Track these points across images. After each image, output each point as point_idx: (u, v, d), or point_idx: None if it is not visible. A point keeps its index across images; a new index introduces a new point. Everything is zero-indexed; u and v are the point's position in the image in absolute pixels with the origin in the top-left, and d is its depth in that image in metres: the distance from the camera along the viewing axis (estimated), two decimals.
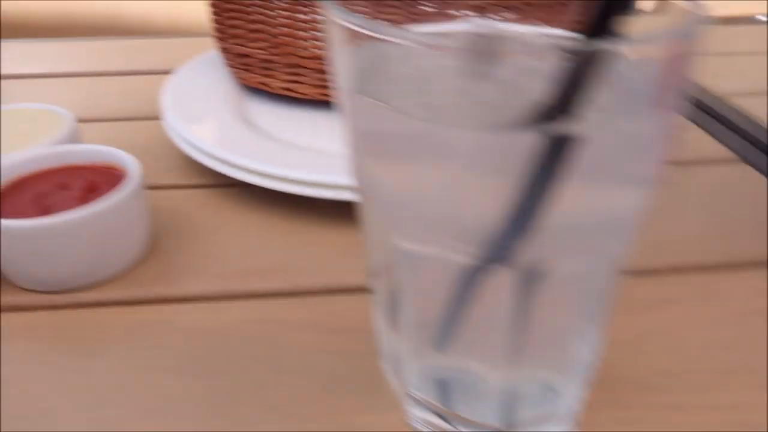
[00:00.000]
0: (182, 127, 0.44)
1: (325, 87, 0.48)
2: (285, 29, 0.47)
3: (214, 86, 0.52)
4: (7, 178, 0.35)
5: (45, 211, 0.33)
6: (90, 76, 0.65)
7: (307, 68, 0.48)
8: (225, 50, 0.52)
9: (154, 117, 0.50)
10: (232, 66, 0.53)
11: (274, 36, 0.48)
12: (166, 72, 0.54)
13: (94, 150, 0.37)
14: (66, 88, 0.62)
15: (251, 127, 0.46)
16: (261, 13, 0.47)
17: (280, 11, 0.47)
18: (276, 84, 0.50)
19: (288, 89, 0.50)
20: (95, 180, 0.36)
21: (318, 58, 0.47)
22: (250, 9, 0.48)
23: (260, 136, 0.44)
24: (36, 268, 0.32)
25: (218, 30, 0.52)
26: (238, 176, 0.40)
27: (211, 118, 0.47)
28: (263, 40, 0.48)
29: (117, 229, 0.33)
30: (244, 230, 0.39)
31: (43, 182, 0.36)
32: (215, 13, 0.52)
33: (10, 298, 0.33)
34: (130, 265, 0.35)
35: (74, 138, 0.41)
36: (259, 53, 0.49)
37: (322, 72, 0.48)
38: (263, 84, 0.50)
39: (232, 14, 0.49)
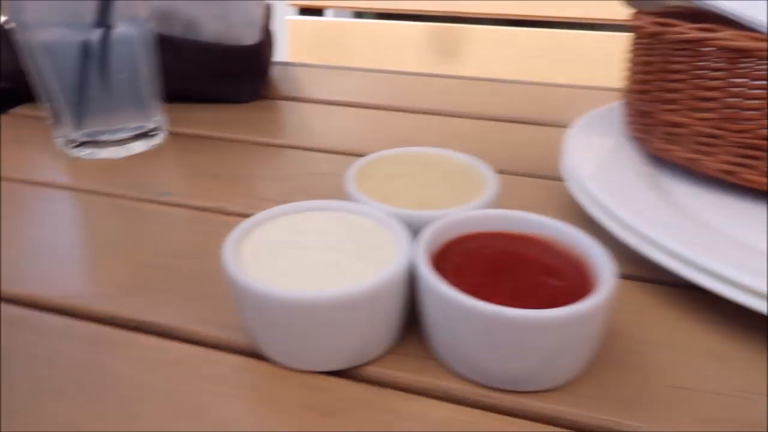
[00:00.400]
0: (606, 200, 0.37)
1: None
2: (737, 100, 0.38)
3: (621, 150, 0.45)
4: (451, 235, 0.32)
5: (514, 296, 0.28)
6: (477, 119, 0.63)
7: (761, 150, 0.38)
8: (637, 111, 0.45)
9: (553, 176, 0.45)
10: (643, 131, 0.45)
11: (718, 106, 0.39)
12: (556, 125, 0.49)
13: (555, 227, 0.32)
14: (463, 129, 0.60)
15: (686, 213, 0.38)
16: (701, 75, 0.39)
17: (723, 74, 0.38)
18: (712, 165, 0.41)
19: (728, 172, 0.40)
20: (552, 263, 0.30)
21: None
22: (681, 66, 0.40)
23: (707, 228, 0.36)
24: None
25: (633, 88, 0.45)
26: (698, 279, 0.32)
27: (633, 193, 0.40)
28: (705, 110, 0.40)
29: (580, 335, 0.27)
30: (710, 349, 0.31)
31: (498, 253, 0.31)
32: (633, 66, 0.45)
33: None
34: (575, 373, 0.29)
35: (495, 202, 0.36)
36: (696, 125, 0.41)
37: None
38: (690, 160, 0.42)
39: (654, 69, 0.42)
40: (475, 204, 0.34)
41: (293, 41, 0.87)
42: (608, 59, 0.84)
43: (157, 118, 0.53)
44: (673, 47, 0.41)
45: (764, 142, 0.38)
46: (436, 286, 0.27)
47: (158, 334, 0.32)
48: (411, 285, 0.29)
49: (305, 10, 0.89)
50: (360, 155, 0.53)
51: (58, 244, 0.39)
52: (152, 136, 0.53)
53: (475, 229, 0.32)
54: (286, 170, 0.50)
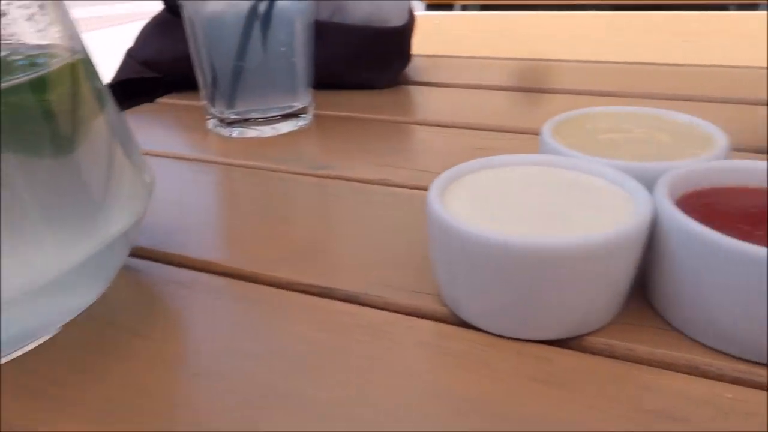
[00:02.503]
0: None
1: None
2: None
3: None
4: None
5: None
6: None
7: None
8: None
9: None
10: None
11: None
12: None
13: None
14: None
15: None
16: None
17: None
18: None
19: None
20: None
21: None
22: None
23: None
24: None
25: None
26: None
27: None
28: None
29: None
30: None
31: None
32: None
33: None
34: None
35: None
36: None
37: None
38: None
39: None
40: (707, 156, 0.29)
41: (419, 36, 0.85)
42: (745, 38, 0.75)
43: (306, 99, 0.52)
44: None
45: None
46: (697, 231, 0.22)
47: (344, 299, 0.29)
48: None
49: (432, 6, 0.87)
50: (515, 132, 0.50)
51: (223, 215, 0.38)
52: (300, 116, 0.52)
53: (720, 182, 0.27)
54: (441, 146, 0.47)
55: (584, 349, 0.25)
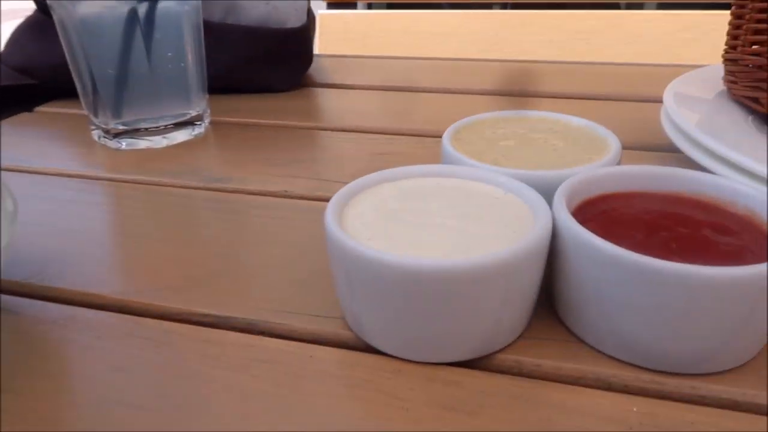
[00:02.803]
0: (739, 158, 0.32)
1: None
2: None
3: (730, 113, 0.40)
4: (581, 197, 0.27)
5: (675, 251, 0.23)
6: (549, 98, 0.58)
7: None
8: (750, 68, 0.40)
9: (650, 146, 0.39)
10: (756, 89, 0.40)
11: None
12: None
13: (714, 182, 0.27)
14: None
15: None
16: None
17: None
18: None
19: None
20: (717, 221, 0.25)
21: None
22: None
23: None
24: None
25: (747, 40, 0.40)
26: None
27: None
28: None
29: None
30: None
31: (649, 212, 0.26)
32: (745, 18, 0.40)
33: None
34: (761, 347, 0.24)
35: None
36: None
37: None
38: None
39: None
40: (601, 163, 0.29)
41: (323, 36, 0.83)
42: (654, 38, 0.79)
43: (201, 106, 0.49)
44: None
45: None
46: (595, 244, 0.22)
47: (242, 329, 0.27)
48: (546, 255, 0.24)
49: (334, 4, 0.85)
50: (422, 135, 0.49)
51: (108, 239, 0.35)
52: (195, 124, 0.48)
53: (615, 188, 0.27)
54: (344, 152, 0.45)
55: (494, 368, 0.24)
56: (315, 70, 0.64)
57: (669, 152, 0.40)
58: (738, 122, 0.39)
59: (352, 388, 0.23)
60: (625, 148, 0.32)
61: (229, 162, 0.44)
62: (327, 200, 0.26)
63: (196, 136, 0.48)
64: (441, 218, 0.25)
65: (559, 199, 0.25)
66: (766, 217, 0.25)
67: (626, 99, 0.54)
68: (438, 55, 0.72)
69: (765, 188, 0.28)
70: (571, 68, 0.65)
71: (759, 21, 0.39)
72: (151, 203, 0.38)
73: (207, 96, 0.49)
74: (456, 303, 0.22)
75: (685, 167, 0.28)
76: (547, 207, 0.25)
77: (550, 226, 0.24)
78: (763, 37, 0.39)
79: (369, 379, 0.23)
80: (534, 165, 0.30)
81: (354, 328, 0.26)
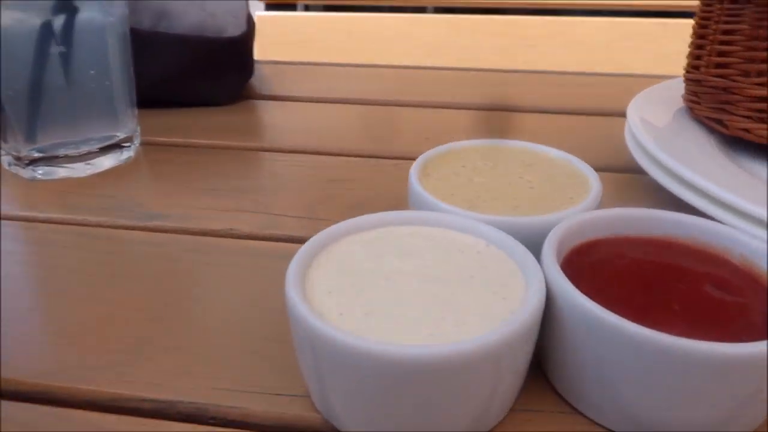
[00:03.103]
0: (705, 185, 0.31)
1: None
2: None
3: (692, 135, 0.39)
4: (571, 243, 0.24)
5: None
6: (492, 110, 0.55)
7: None
8: (711, 88, 0.39)
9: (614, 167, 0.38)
10: (718, 110, 0.39)
11: None
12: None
13: (704, 227, 0.25)
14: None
15: None
16: None
17: None
18: None
19: None
20: (721, 274, 0.23)
21: None
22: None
23: None
24: None
25: (707, 62, 0.39)
26: None
27: (725, 175, 0.33)
28: None
29: None
30: None
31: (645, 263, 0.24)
32: (706, 38, 0.39)
33: None
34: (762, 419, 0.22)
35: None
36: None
37: None
38: None
39: (738, 39, 0.36)
40: (584, 204, 0.27)
41: (260, 39, 0.78)
42: (604, 45, 0.79)
43: (130, 126, 0.43)
44: (765, 10, 0.35)
45: None
46: (595, 314, 0.20)
47: (187, 418, 0.23)
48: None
49: (272, 5, 0.80)
50: (377, 157, 0.46)
51: (22, 301, 0.30)
52: (123, 148, 0.43)
53: (604, 234, 0.25)
54: (295, 178, 0.41)
55: None
56: (256, 78, 0.59)
57: (637, 174, 0.39)
58: (702, 145, 0.38)
59: None
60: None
61: (164, 193, 0.39)
62: (278, 240, 0.22)
63: (125, 161, 0.43)
64: (420, 282, 0.22)
65: (549, 256, 0.22)
66: (765, 269, 0.23)
67: (587, 113, 0.53)
68: (383, 61, 0.69)
69: (761, 236, 0.26)
70: (528, 78, 0.64)
71: (723, 42, 0.38)
72: (74, 249, 0.33)
73: (136, 114, 0.44)
74: (444, 392, 0.19)
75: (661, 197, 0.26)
76: (536, 264, 0.22)
77: (543, 294, 0.21)
78: (728, 59, 0.38)
79: None
80: (512, 207, 0.27)
81: (322, 410, 0.22)
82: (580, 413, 0.22)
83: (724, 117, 0.39)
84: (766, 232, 0.28)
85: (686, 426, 0.21)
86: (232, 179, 0.41)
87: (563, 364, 0.22)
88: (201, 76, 0.51)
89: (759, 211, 0.29)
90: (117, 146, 0.43)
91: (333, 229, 0.25)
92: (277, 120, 0.53)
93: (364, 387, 0.19)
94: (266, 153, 0.45)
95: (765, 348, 0.19)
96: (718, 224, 0.25)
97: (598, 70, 0.66)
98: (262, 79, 0.61)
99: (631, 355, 0.20)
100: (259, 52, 0.59)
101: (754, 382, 0.19)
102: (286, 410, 0.22)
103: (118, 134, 0.43)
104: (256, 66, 0.58)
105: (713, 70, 0.39)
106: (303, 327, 0.20)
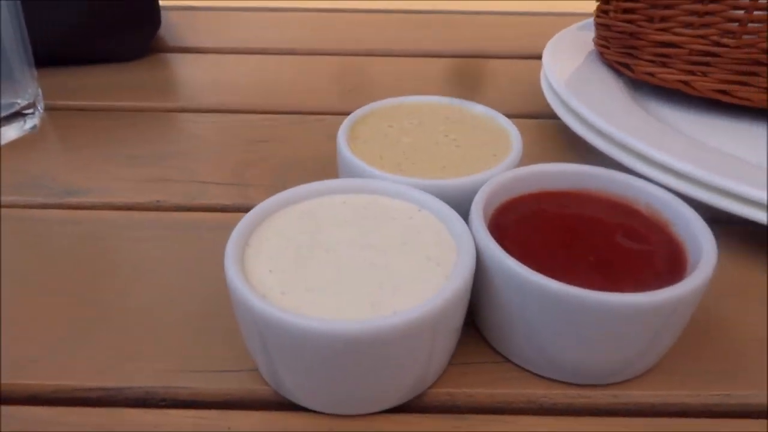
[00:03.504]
0: (612, 131, 0.33)
1: None
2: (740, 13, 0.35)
3: (602, 79, 0.41)
4: (495, 203, 0.26)
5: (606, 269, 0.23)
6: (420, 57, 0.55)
7: (762, 65, 0.36)
8: (619, 33, 0.41)
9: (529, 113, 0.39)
10: (625, 55, 0.41)
11: (719, 21, 0.36)
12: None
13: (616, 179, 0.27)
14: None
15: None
16: None
17: None
18: (706, 85, 0.38)
19: (724, 91, 0.38)
20: (630, 223, 0.25)
21: None
22: None
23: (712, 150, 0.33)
24: None
25: (615, 6, 0.40)
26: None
27: (633, 120, 0.36)
28: (703, 26, 0.36)
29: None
30: None
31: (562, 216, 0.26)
32: None
33: None
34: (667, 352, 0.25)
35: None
36: (692, 43, 0.37)
37: None
38: (681, 82, 0.39)
39: None
40: (506, 162, 0.28)
41: None
42: None
43: (31, 91, 0.40)
44: None
45: (765, 56, 0.36)
46: (520, 273, 0.21)
47: (137, 403, 0.23)
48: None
49: None
50: (301, 113, 0.45)
51: None
52: (26, 115, 0.40)
53: (526, 190, 0.27)
54: (218, 140, 0.40)
55: (428, 408, 0.23)
56: (164, 28, 0.56)
57: (556, 119, 0.40)
58: (612, 90, 0.40)
59: None
60: (510, 116, 0.32)
61: (80, 165, 0.37)
62: (209, 210, 0.22)
63: (30, 131, 0.40)
64: (357, 252, 0.23)
65: (476, 218, 0.24)
66: (668, 217, 0.25)
67: (502, 56, 0.54)
68: (302, 4, 0.66)
69: (665, 183, 0.29)
70: (441, 19, 0.63)
71: None
72: None
73: (36, 76, 0.41)
74: (387, 360, 0.20)
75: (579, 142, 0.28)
76: (465, 227, 0.24)
77: (473, 259, 0.22)
78: (634, 5, 0.40)
79: None
80: (439, 168, 0.28)
81: (271, 383, 0.23)
82: (511, 362, 0.24)
83: (631, 61, 0.41)
84: (670, 179, 0.31)
85: (601, 366, 0.23)
86: (151, 145, 0.39)
87: (493, 319, 0.24)
88: (102, 30, 0.48)
89: (663, 157, 0.31)
90: (19, 114, 0.40)
91: (266, 204, 0.25)
92: (191, 75, 0.50)
93: (311, 362, 0.20)
94: (184, 114, 0.44)
95: (664, 296, 0.21)
96: (628, 175, 0.27)
97: (515, 9, 0.66)
98: (170, 29, 0.57)
99: (552, 308, 0.21)
100: None
101: (657, 325, 0.22)
102: (235, 385, 0.23)
103: (18, 101, 0.40)
104: (164, 14, 0.54)
105: (621, 15, 0.40)
106: (248, 310, 0.20)
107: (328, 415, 0.22)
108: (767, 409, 0.23)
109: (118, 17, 0.48)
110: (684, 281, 0.21)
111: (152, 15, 0.52)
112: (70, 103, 0.44)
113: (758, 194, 0.29)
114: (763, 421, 0.23)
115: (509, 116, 0.32)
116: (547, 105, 0.40)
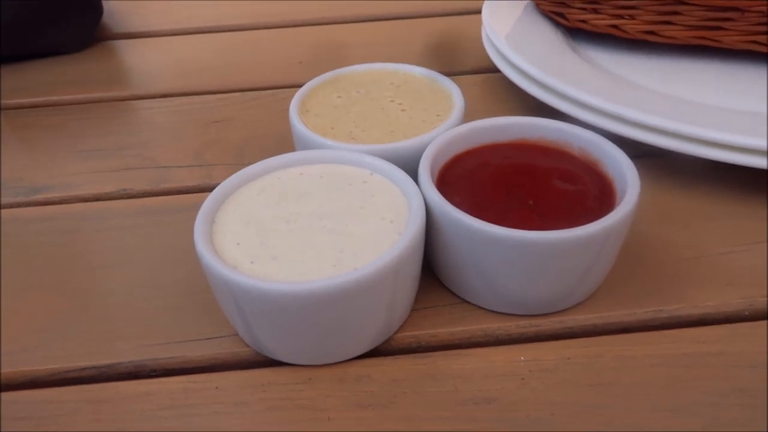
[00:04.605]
0: (556, 83, 0.35)
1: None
2: None
3: (539, 28, 0.43)
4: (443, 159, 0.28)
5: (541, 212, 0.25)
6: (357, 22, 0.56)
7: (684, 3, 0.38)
8: None
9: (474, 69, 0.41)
10: (558, 4, 0.43)
11: None
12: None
13: (551, 127, 0.29)
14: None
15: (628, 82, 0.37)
16: None
17: None
18: (635, 27, 0.40)
19: (651, 32, 0.40)
20: (565, 167, 0.28)
21: None
22: None
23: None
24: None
25: None
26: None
27: (573, 68, 0.38)
28: None
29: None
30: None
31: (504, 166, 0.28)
32: None
33: None
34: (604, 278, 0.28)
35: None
36: None
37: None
38: (612, 27, 0.41)
39: None
40: (450, 121, 0.30)
41: None
42: None
43: None
44: None
45: None
46: (467, 223, 0.24)
47: (129, 376, 0.25)
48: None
49: None
50: (253, 89, 0.46)
51: None
52: None
53: (468, 146, 0.29)
54: (174, 125, 0.41)
55: (396, 350, 0.25)
56: (107, 15, 0.55)
57: (497, 72, 0.42)
58: (550, 40, 0.42)
59: (273, 411, 0.23)
60: (457, 74, 0.33)
61: (42, 162, 0.38)
62: (174, 193, 0.24)
63: None
64: (317, 220, 0.25)
65: (424, 176, 0.26)
66: (598, 157, 0.28)
67: (436, 14, 0.55)
68: None
69: (598, 126, 0.31)
70: None
71: None
72: None
73: None
74: (353, 311, 0.23)
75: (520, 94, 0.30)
76: (415, 186, 0.26)
77: (423, 213, 0.24)
78: None
79: (285, 396, 0.23)
80: (388, 132, 0.30)
81: (251, 345, 0.25)
82: (467, 302, 0.27)
83: (564, 10, 0.43)
84: (604, 120, 0.33)
85: (547, 297, 0.26)
86: (109, 136, 0.40)
87: (448, 265, 0.27)
88: (44, 22, 0.48)
89: (597, 102, 0.34)
90: None
91: (228, 182, 0.26)
92: (140, 61, 0.51)
93: (285, 322, 0.22)
94: (138, 101, 0.44)
95: (595, 228, 0.23)
96: (561, 123, 0.29)
97: None
98: (113, 16, 0.57)
99: (497, 251, 0.24)
100: None
101: (591, 255, 0.25)
102: (220, 350, 0.25)
103: None
104: (105, 2, 0.54)
105: None
106: (222, 281, 0.22)
107: (305, 366, 0.24)
108: (694, 320, 0.26)
109: (59, 8, 0.48)
110: (611, 214, 0.24)
111: (93, 2, 0.52)
112: (21, 101, 0.44)
113: (683, 128, 0.31)
114: (692, 329, 0.26)
115: (456, 74, 0.34)
116: (490, 59, 0.42)
